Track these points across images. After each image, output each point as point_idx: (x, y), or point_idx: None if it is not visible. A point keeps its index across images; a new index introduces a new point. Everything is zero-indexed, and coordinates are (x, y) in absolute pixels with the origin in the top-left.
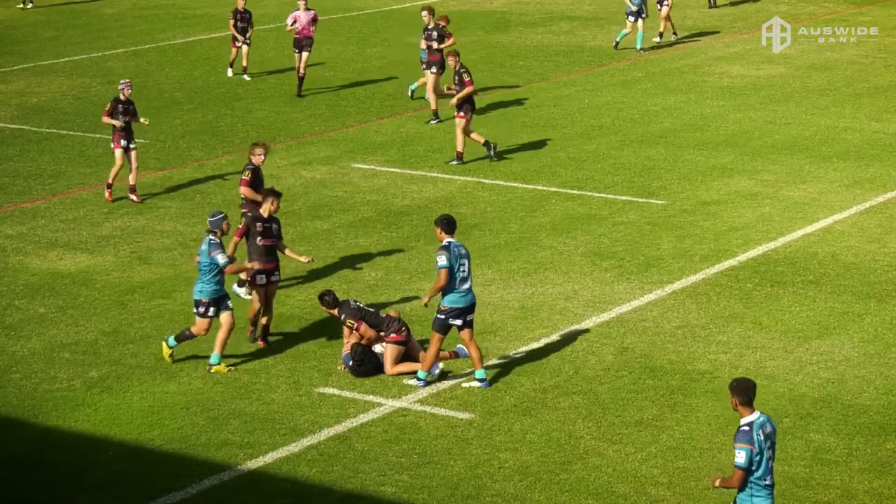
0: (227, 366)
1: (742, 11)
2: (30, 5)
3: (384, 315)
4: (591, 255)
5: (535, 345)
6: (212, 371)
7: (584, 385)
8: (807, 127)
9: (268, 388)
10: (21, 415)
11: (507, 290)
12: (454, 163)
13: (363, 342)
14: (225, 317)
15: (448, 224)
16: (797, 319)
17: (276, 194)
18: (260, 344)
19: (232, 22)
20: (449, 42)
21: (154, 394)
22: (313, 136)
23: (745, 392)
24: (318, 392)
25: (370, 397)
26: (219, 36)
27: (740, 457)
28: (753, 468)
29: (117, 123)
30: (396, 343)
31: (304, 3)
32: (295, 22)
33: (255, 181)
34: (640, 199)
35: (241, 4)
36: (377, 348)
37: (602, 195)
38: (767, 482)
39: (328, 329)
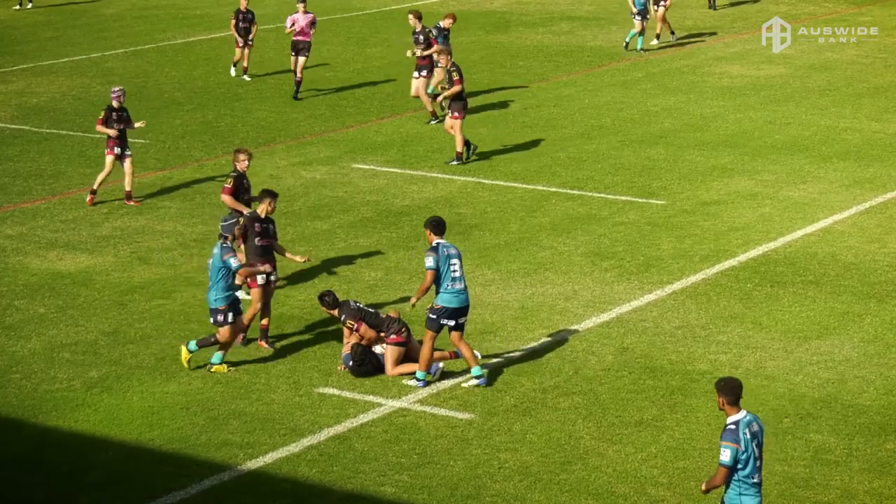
0: (228, 367)
1: (742, 11)
2: (29, 5)
3: (384, 316)
4: (591, 255)
5: (535, 345)
6: (212, 370)
7: (584, 385)
8: (807, 127)
9: (268, 388)
10: (21, 415)
11: (507, 290)
12: (454, 163)
13: (363, 342)
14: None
15: (437, 226)
16: (797, 320)
17: (273, 195)
18: (260, 344)
19: (233, 22)
20: (433, 49)
21: (154, 394)
22: (313, 137)
23: (731, 391)
24: (318, 392)
25: (370, 397)
26: (219, 36)
27: (725, 455)
28: (740, 466)
29: (111, 133)
30: (397, 344)
31: (302, 5)
32: (293, 25)
33: (238, 188)
34: (640, 200)
35: (243, 5)
36: (377, 349)
37: (602, 195)
38: (755, 480)
39: (328, 329)
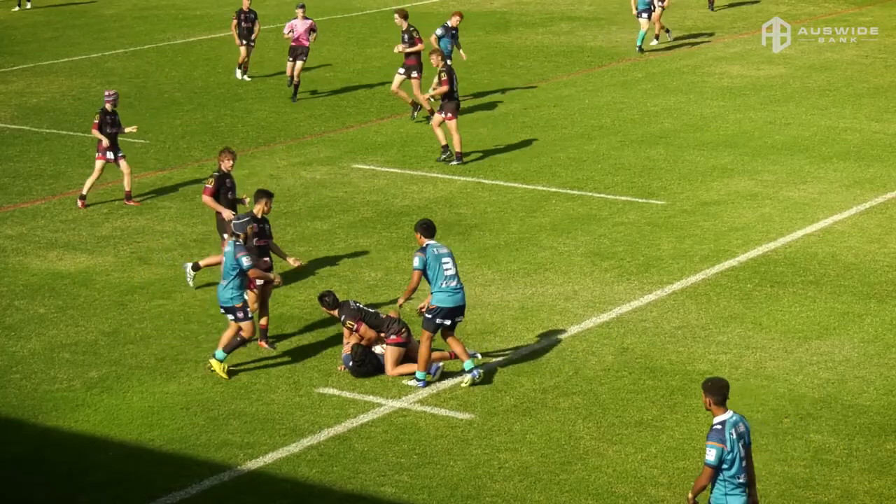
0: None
1: (742, 12)
2: (28, 5)
3: (384, 316)
4: (591, 255)
5: (535, 345)
6: (211, 369)
7: (584, 385)
8: (807, 127)
9: (268, 388)
10: (21, 415)
11: (507, 290)
12: (455, 163)
13: (363, 343)
14: None
15: (427, 228)
16: (797, 320)
17: (269, 195)
18: (260, 344)
19: (235, 22)
20: (418, 47)
21: (154, 394)
22: (313, 137)
23: (718, 391)
24: (318, 392)
25: (370, 398)
26: (219, 36)
27: (710, 455)
28: (725, 467)
29: (105, 141)
30: (397, 345)
31: (301, 11)
32: (291, 31)
33: (220, 188)
34: (640, 200)
35: (245, 4)
36: (377, 349)
37: (602, 195)
38: (741, 480)
39: (328, 329)
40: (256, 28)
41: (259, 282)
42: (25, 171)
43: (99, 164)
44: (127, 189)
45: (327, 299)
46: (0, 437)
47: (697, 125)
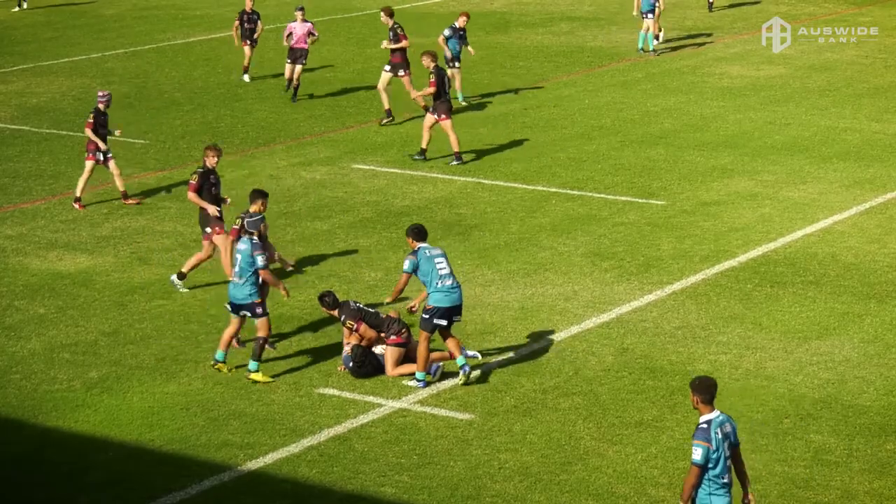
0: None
1: (742, 12)
2: (24, 5)
3: (384, 316)
4: (591, 255)
5: (535, 345)
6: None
7: (584, 386)
8: (807, 127)
9: (268, 388)
10: (21, 415)
11: (507, 290)
12: (455, 163)
13: (363, 343)
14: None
15: (418, 232)
16: (797, 320)
17: (265, 195)
18: None
19: (237, 23)
20: (403, 44)
21: (154, 394)
22: (313, 137)
23: (706, 390)
24: (318, 393)
25: (370, 398)
26: (218, 36)
27: (697, 453)
28: (710, 466)
29: (102, 145)
30: (397, 345)
31: (300, 13)
32: (290, 34)
33: (203, 185)
34: (640, 200)
35: (248, 6)
36: (377, 350)
37: (602, 196)
38: (725, 480)
39: (328, 329)
40: (259, 28)
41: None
42: (25, 171)
43: (89, 164)
44: (122, 189)
45: (327, 299)
46: (0, 437)
47: (697, 125)
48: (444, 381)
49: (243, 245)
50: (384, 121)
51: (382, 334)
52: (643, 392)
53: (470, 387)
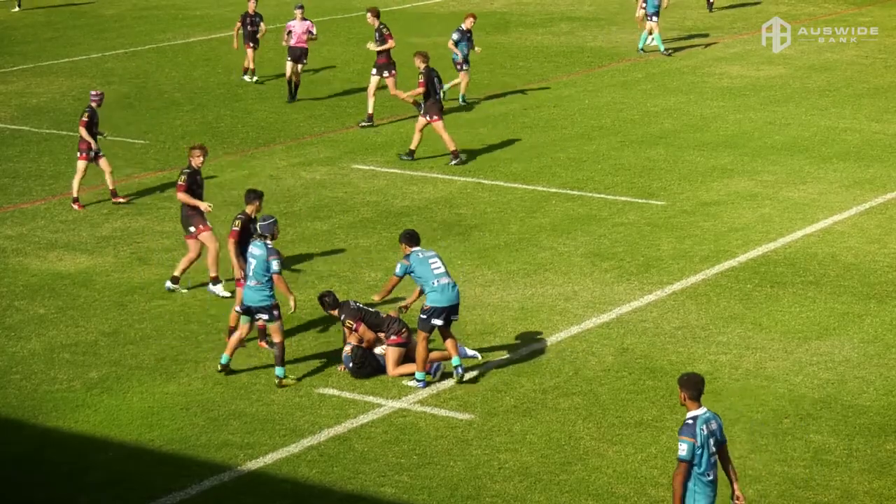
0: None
1: (742, 12)
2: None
3: (385, 315)
4: (590, 255)
5: (535, 345)
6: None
7: (584, 386)
8: (806, 128)
9: (268, 388)
10: (21, 415)
11: (507, 290)
12: (454, 162)
13: (363, 344)
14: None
15: (410, 237)
16: (797, 320)
17: (260, 195)
18: (260, 345)
19: (238, 25)
20: (389, 44)
21: (154, 394)
22: (313, 137)
23: (693, 386)
24: (318, 393)
25: (370, 398)
26: (218, 37)
27: (682, 449)
28: (694, 462)
29: (94, 145)
30: (398, 345)
31: (300, 12)
32: (290, 33)
33: (192, 185)
34: (639, 200)
35: (251, 8)
36: (377, 350)
37: (602, 196)
38: (710, 478)
39: (328, 329)
40: (262, 30)
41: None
42: (25, 171)
43: (81, 164)
44: (111, 187)
45: (327, 299)
46: (0, 437)
47: (697, 125)
48: (443, 382)
49: (258, 250)
50: (362, 123)
51: (382, 334)
52: (643, 392)
53: (470, 387)
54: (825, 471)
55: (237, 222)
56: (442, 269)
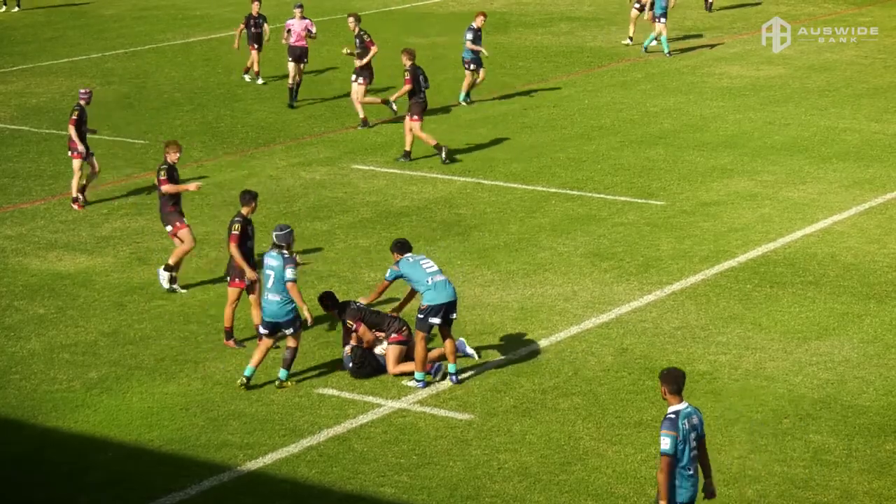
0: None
1: (742, 12)
2: (15, 9)
3: (385, 314)
4: (590, 255)
5: (535, 345)
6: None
7: (583, 386)
8: (806, 128)
9: (267, 388)
10: (21, 415)
11: (507, 291)
12: (444, 158)
13: (363, 345)
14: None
15: (402, 246)
16: (797, 320)
17: (255, 196)
18: (227, 343)
19: (241, 26)
20: (372, 52)
21: (153, 395)
22: (313, 138)
23: (674, 381)
24: (317, 393)
25: (369, 398)
26: (218, 37)
27: (665, 443)
28: (677, 456)
29: (80, 146)
30: (398, 343)
31: (299, 11)
32: (289, 31)
33: (172, 179)
34: (639, 200)
35: (255, 10)
36: (377, 350)
37: (602, 196)
38: (690, 472)
39: (328, 329)
40: (266, 32)
41: (248, 281)
42: (25, 171)
43: (76, 163)
44: (85, 185)
45: (327, 300)
46: (0, 437)
47: (697, 125)
48: (443, 382)
49: (275, 261)
50: (360, 127)
51: (383, 333)
52: (643, 392)
53: (469, 387)
54: (825, 471)
55: (236, 226)
56: (435, 268)
